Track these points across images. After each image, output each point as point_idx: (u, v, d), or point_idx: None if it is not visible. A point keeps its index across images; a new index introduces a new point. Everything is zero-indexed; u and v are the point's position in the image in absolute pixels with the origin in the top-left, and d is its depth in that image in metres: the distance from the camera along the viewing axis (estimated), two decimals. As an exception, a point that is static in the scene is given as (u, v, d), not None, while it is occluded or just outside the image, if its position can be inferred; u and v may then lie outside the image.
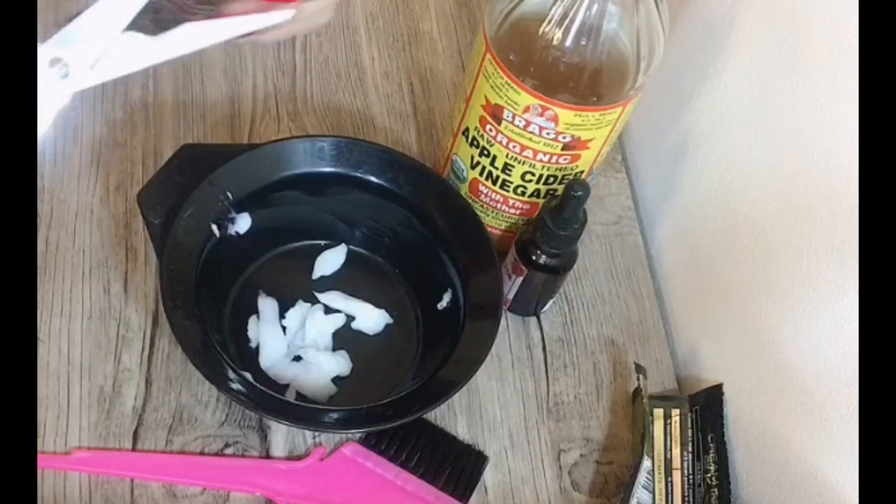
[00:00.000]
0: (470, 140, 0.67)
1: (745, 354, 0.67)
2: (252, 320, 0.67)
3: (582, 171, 0.66)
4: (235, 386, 0.59)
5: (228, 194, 0.65)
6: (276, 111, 0.79)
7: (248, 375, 0.62)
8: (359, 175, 0.68)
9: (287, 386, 0.66)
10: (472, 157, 0.67)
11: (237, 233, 0.66)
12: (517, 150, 0.64)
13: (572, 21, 0.58)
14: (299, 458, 0.64)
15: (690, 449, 0.67)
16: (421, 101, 0.82)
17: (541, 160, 0.64)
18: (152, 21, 0.47)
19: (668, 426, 0.68)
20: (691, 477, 0.66)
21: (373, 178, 0.68)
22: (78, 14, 0.45)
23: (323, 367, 0.66)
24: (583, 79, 0.60)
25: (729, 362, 0.70)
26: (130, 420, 0.63)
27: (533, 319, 0.73)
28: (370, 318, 0.69)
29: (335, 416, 0.62)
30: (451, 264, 0.67)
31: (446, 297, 0.68)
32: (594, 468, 0.68)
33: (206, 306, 0.63)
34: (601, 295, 0.76)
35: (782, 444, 0.63)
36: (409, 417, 0.60)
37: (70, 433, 0.62)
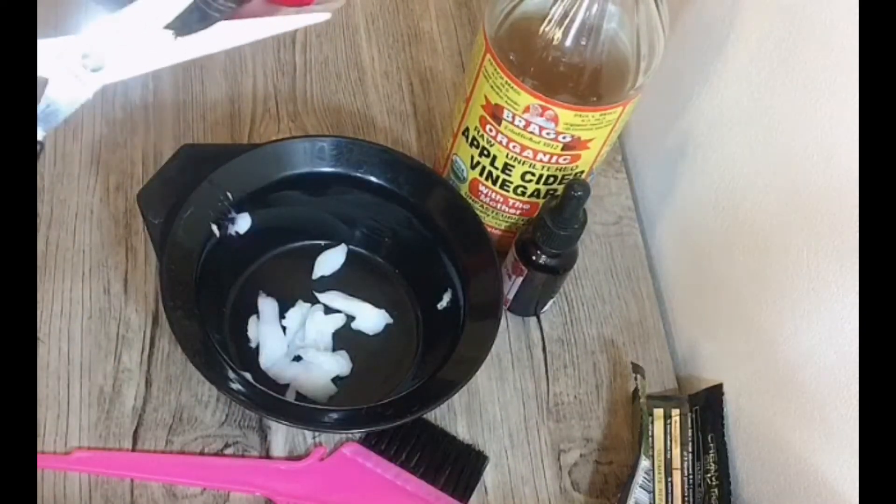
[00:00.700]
0: (470, 140, 0.67)
1: (745, 354, 0.67)
2: (252, 320, 0.67)
3: (582, 171, 0.66)
4: (235, 386, 0.59)
5: (228, 194, 0.65)
6: (276, 111, 0.79)
7: (248, 375, 0.62)
8: (359, 175, 0.68)
9: (287, 386, 0.66)
10: (472, 157, 0.67)
11: (237, 233, 0.66)
12: (517, 150, 0.64)
13: (572, 21, 0.58)
14: (299, 458, 0.64)
15: (690, 449, 0.67)
16: (421, 101, 0.82)
17: (541, 160, 0.64)
18: (182, 19, 0.48)
19: (668, 426, 0.68)
20: (691, 477, 0.66)
21: (373, 178, 0.68)
22: (115, 10, 0.46)
23: (323, 367, 0.66)
24: (583, 79, 0.60)
25: (729, 362, 0.70)
26: (130, 420, 0.63)
27: (533, 319, 0.73)
28: (370, 318, 0.69)
29: (335, 416, 0.62)
30: (451, 264, 0.67)
31: (446, 297, 0.68)
32: (594, 468, 0.68)
33: (206, 306, 0.63)
34: (601, 295, 0.76)
35: (782, 444, 0.63)
36: (409, 417, 0.60)
37: (70, 433, 0.62)
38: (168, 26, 0.47)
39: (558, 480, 0.67)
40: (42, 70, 0.46)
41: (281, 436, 0.64)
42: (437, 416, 0.67)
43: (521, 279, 0.68)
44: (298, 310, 0.68)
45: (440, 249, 0.68)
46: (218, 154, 0.65)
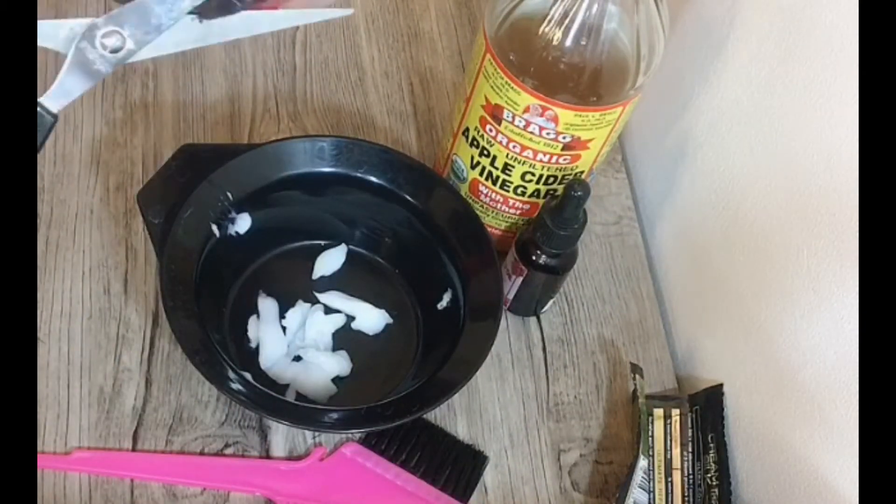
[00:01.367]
0: (470, 140, 0.67)
1: (745, 354, 0.67)
2: (252, 320, 0.67)
3: (582, 171, 0.66)
4: (235, 386, 0.59)
5: (228, 194, 0.65)
6: (276, 111, 0.79)
7: (248, 375, 0.62)
8: (359, 175, 0.68)
9: (287, 386, 0.66)
10: (472, 157, 0.67)
11: (237, 233, 0.66)
12: (517, 150, 0.64)
13: (572, 21, 0.58)
14: (299, 458, 0.64)
15: (690, 449, 0.67)
16: (421, 101, 0.82)
17: (541, 160, 0.64)
18: (205, 5, 0.48)
19: (668, 426, 0.68)
20: (691, 477, 0.66)
21: (373, 178, 0.68)
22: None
23: (323, 367, 0.66)
24: (583, 79, 0.60)
25: (729, 362, 0.70)
26: (130, 420, 0.63)
27: (533, 319, 0.73)
28: (370, 318, 0.69)
29: (335, 416, 0.62)
30: (451, 264, 0.67)
31: (446, 297, 0.68)
32: (594, 468, 0.68)
33: (206, 306, 0.63)
34: (601, 295, 0.76)
35: (782, 444, 0.63)
36: (409, 417, 0.60)
37: (70, 433, 0.62)
38: (191, 11, 0.48)
39: (558, 480, 0.67)
40: (62, 47, 0.46)
41: (281, 436, 0.64)
42: (437, 416, 0.67)
43: (521, 279, 0.68)
44: (298, 310, 0.68)
45: (440, 249, 0.68)
46: (218, 154, 0.65)
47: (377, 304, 0.69)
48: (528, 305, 0.72)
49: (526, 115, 0.61)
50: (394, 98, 0.82)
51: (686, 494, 0.65)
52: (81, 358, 0.65)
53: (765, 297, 0.65)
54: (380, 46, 0.84)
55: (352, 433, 0.65)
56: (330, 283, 0.70)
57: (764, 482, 0.65)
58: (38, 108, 0.45)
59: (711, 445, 0.67)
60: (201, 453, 0.63)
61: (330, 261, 0.71)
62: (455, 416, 0.68)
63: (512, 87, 0.60)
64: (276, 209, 0.68)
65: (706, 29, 0.71)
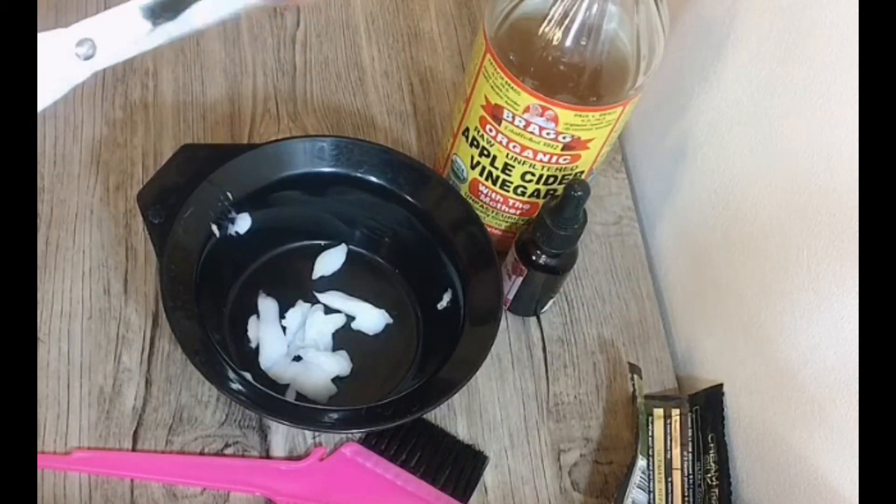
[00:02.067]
0: (470, 140, 0.67)
1: (745, 354, 0.67)
2: (252, 320, 0.67)
3: (582, 171, 0.66)
4: (235, 386, 0.59)
5: (228, 194, 0.65)
6: (276, 111, 0.79)
7: (248, 375, 0.62)
8: (359, 175, 0.68)
9: (287, 386, 0.66)
10: (472, 157, 0.67)
11: (237, 233, 0.66)
12: (517, 150, 0.64)
13: (572, 21, 0.58)
14: (299, 458, 0.64)
15: (690, 449, 0.67)
16: (421, 101, 0.82)
17: (541, 160, 0.64)
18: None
19: (668, 426, 0.68)
20: (691, 477, 0.66)
21: (373, 178, 0.68)
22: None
23: (323, 367, 0.66)
24: (583, 79, 0.60)
25: (729, 362, 0.70)
26: (130, 420, 0.63)
27: (533, 319, 0.73)
28: (370, 318, 0.69)
29: (335, 416, 0.62)
30: (451, 264, 0.67)
31: (446, 298, 0.68)
32: (594, 468, 0.68)
33: (206, 306, 0.63)
34: (601, 295, 0.76)
35: (782, 444, 0.63)
36: (409, 417, 0.60)
37: (70, 433, 0.62)
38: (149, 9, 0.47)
39: (558, 480, 0.67)
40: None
41: (281, 436, 0.64)
42: (437, 416, 0.67)
43: (521, 279, 0.68)
44: (298, 310, 0.68)
45: (440, 249, 0.68)
46: (218, 154, 0.65)
47: (377, 304, 0.69)
48: (528, 305, 0.72)
49: (526, 115, 0.61)
50: (394, 98, 0.82)
51: (686, 494, 0.65)
52: (81, 358, 0.65)
53: (765, 297, 0.65)
54: (380, 46, 0.84)
55: (352, 433, 0.65)
56: (330, 283, 0.70)
57: (764, 482, 0.65)
58: None
59: (711, 445, 0.67)
60: (201, 453, 0.63)
61: (330, 261, 0.71)
62: (455, 416, 0.68)
63: (512, 87, 0.60)
64: (276, 209, 0.68)
65: (706, 29, 0.71)
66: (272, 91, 0.80)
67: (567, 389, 0.71)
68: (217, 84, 0.79)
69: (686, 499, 0.65)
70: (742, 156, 0.68)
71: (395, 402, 0.61)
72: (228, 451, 0.63)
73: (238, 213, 0.66)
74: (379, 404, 0.61)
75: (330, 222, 0.71)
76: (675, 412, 0.69)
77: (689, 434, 0.68)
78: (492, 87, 0.62)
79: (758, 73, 0.65)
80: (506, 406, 0.69)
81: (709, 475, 0.66)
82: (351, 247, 0.72)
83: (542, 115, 0.61)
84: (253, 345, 0.67)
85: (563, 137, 0.62)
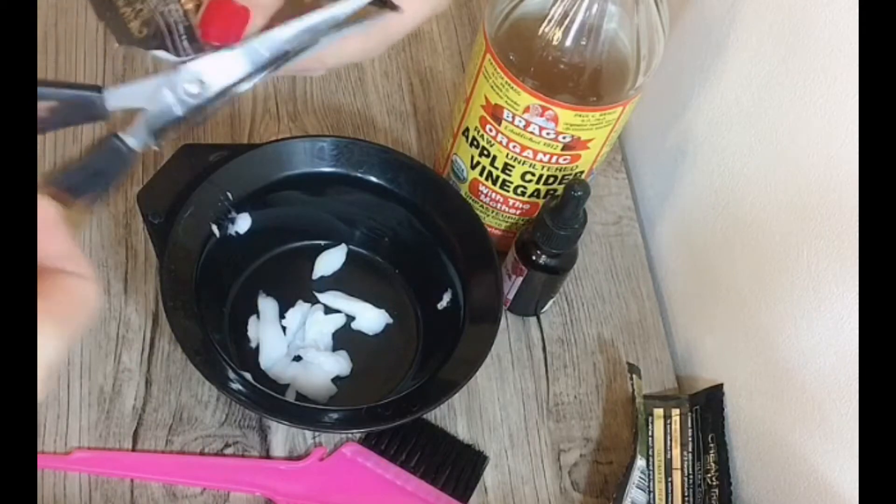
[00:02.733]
0: (470, 140, 0.67)
1: (745, 354, 0.67)
2: (252, 320, 0.67)
3: (582, 171, 0.66)
4: (235, 386, 0.59)
5: (228, 194, 0.65)
6: (276, 111, 0.79)
7: (248, 375, 0.62)
8: (359, 175, 0.68)
9: (287, 386, 0.66)
10: (472, 157, 0.67)
11: (237, 233, 0.66)
12: (517, 150, 0.64)
13: (572, 21, 0.58)
14: (299, 458, 0.64)
15: (690, 449, 0.67)
16: (421, 101, 0.82)
17: (541, 160, 0.64)
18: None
19: (668, 426, 0.68)
20: (691, 477, 0.66)
21: (373, 178, 0.68)
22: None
23: (323, 367, 0.66)
24: (583, 79, 0.60)
25: (729, 362, 0.70)
26: (130, 420, 0.63)
27: (533, 319, 0.73)
28: (370, 318, 0.69)
29: (335, 416, 0.62)
30: (451, 264, 0.67)
31: (446, 297, 0.68)
32: (594, 468, 0.68)
33: (206, 306, 0.63)
34: (601, 295, 0.76)
35: (782, 444, 0.63)
36: (409, 417, 0.60)
37: (70, 433, 0.62)
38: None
39: (558, 480, 0.67)
40: (141, 103, 0.47)
41: (281, 436, 0.64)
42: (437, 416, 0.67)
43: (521, 279, 0.68)
44: (298, 310, 0.68)
45: (440, 249, 0.68)
46: (218, 154, 0.65)
47: (377, 304, 0.69)
48: (528, 305, 0.72)
49: (526, 115, 0.61)
50: (394, 98, 0.82)
51: (686, 494, 0.65)
52: (81, 358, 0.65)
53: (765, 297, 0.65)
54: (380, 46, 0.84)
55: (352, 433, 0.65)
56: (330, 283, 0.70)
57: (764, 482, 0.65)
58: (118, 142, 0.46)
59: (711, 445, 0.67)
60: (201, 453, 0.63)
61: (330, 261, 0.71)
62: (455, 416, 0.68)
63: (512, 87, 0.60)
64: (276, 209, 0.68)
65: (706, 29, 0.71)
66: (272, 91, 0.79)
67: (567, 389, 0.71)
68: (217, 84, 0.79)
69: (686, 499, 0.65)
70: (742, 156, 0.68)
71: (395, 402, 0.61)
72: (228, 451, 0.63)
73: (238, 213, 0.66)
74: (379, 404, 0.61)
75: (330, 222, 0.71)
76: (675, 412, 0.69)
77: (689, 434, 0.68)
78: (492, 87, 0.62)
79: (758, 73, 0.65)
80: (506, 406, 0.69)
81: (709, 475, 0.66)
82: (351, 247, 0.72)
83: (542, 115, 0.61)
84: (253, 345, 0.67)
85: (563, 137, 0.62)
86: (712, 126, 0.71)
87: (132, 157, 0.46)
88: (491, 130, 0.64)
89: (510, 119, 0.62)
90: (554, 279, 0.69)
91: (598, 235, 0.79)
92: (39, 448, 0.62)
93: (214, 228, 0.64)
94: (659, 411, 0.69)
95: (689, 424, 0.68)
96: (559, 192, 0.65)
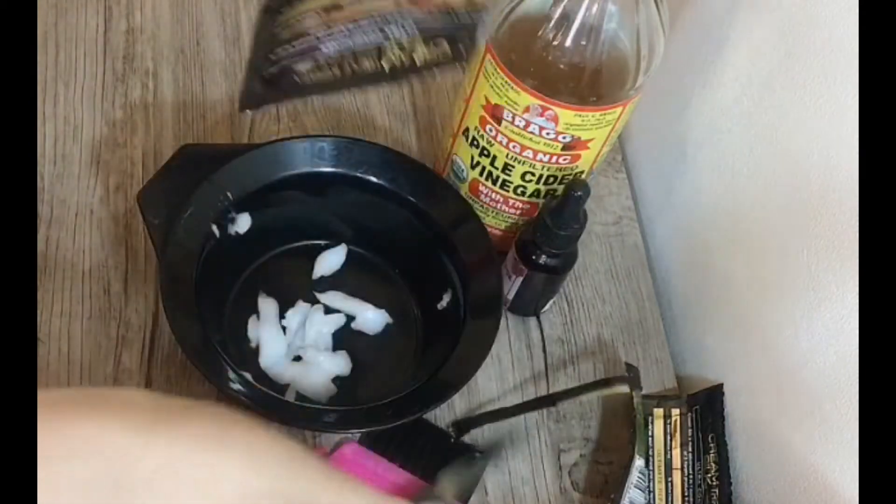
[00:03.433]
0: (470, 140, 0.67)
1: (745, 354, 0.67)
2: (252, 320, 0.67)
3: (582, 171, 0.66)
4: (235, 386, 0.59)
5: (228, 194, 0.65)
6: (276, 111, 0.79)
7: (248, 375, 0.62)
8: (359, 175, 0.68)
9: (287, 386, 0.66)
10: (472, 157, 0.67)
11: (237, 233, 0.66)
12: (517, 150, 0.64)
13: (572, 21, 0.58)
14: (299, 458, 0.64)
15: (690, 449, 0.67)
16: (421, 101, 0.82)
17: (541, 160, 0.64)
18: None
19: (668, 426, 0.68)
20: (691, 477, 0.66)
21: (373, 178, 0.68)
22: None
23: (323, 367, 0.66)
24: (583, 79, 0.60)
25: (729, 362, 0.70)
26: (130, 420, 0.63)
27: (533, 319, 0.73)
28: (370, 318, 0.69)
29: (335, 416, 0.62)
30: (451, 264, 0.67)
31: (446, 297, 0.68)
32: (594, 468, 0.68)
33: (206, 306, 0.63)
34: (601, 295, 0.76)
35: (782, 444, 0.63)
36: (409, 417, 0.60)
37: (70, 433, 0.62)
38: None
39: (558, 480, 0.67)
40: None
41: (281, 436, 0.64)
42: (438, 416, 0.67)
43: (521, 279, 0.68)
44: (298, 310, 0.68)
45: (440, 249, 0.68)
46: (218, 154, 0.65)
47: (377, 304, 0.69)
48: (528, 305, 0.72)
49: (526, 115, 0.61)
50: (394, 98, 0.82)
51: (686, 494, 0.65)
52: (81, 358, 0.65)
53: (765, 297, 0.65)
54: (380, 46, 0.84)
55: (352, 433, 0.65)
56: (330, 283, 0.70)
57: (764, 482, 0.65)
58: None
59: (711, 445, 0.67)
60: (201, 453, 0.63)
61: (330, 261, 0.71)
62: (455, 416, 0.68)
63: (512, 87, 0.60)
64: (276, 209, 0.68)
65: (706, 29, 0.71)
66: (272, 91, 0.79)
67: (567, 389, 0.71)
68: (217, 84, 0.79)
69: (686, 499, 0.65)
70: (742, 156, 0.68)
71: (395, 402, 0.61)
72: (228, 451, 0.63)
73: (238, 213, 0.66)
74: (379, 404, 0.61)
75: (330, 222, 0.71)
76: (675, 412, 0.69)
77: (689, 434, 0.68)
78: (492, 87, 0.62)
79: (758, 73, 0.65)
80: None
81: (709, 475, 0.66)
82: (351, 247, 0.72)
83: (542, 115, 0.61)
84: (253, 345, 0.67)
85: (563, 137, 0.62)
86: (712, 126, 0.71)
87: None
88: (491, 130, 0.64)
89: (510, 119, 0.62)
90: (554, 279, 0.69)
91: (598, 235, 0.79)
92: (39, 448, 0.61)
93: (214, 228, 0.64)
94: (659, 411, 0.69)
95: (689, 424, 0.68)
96: (559, 192, 0.65)
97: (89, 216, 0.70)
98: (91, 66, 0.77)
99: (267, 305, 0.68)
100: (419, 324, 0.70)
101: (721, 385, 0.69)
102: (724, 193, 0.70)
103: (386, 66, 0.81)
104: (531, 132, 0.62)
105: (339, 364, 0.67)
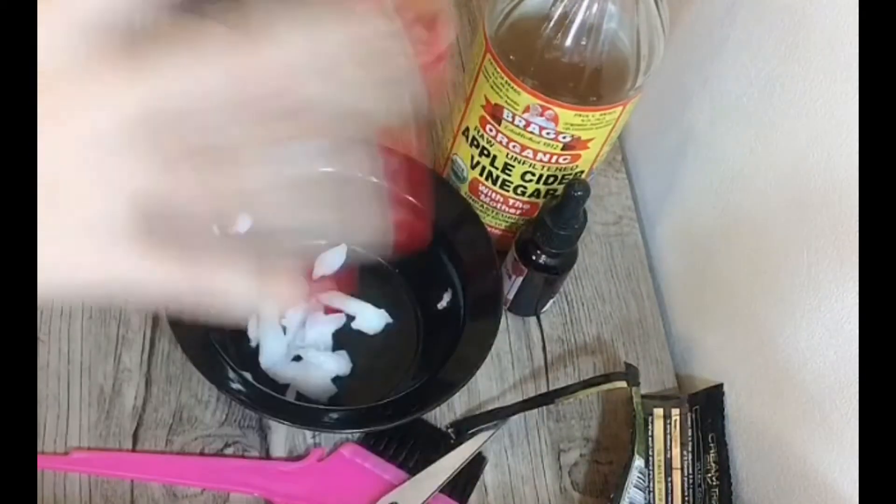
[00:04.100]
0: (470, 140, 0.67)
1: (745, 354, 0.67)
2: (252, 320, 0.67)
3: (582, 171, 0.66)
4: (235, 386, 0.59)
5: (228, 194, 0.65)
6: (276, 111, 0.78)
7: (248, 375, 0.62)
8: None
9: (287, 386, 0.65)
10: (472, 157, 0.67)
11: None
12: (517, 150, 0.64)
13: (572, 21, 0.58)
14: (298, 458, 0.64)
15: (690, 449, 0.67)
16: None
17: (541, 160, 0.64)
18: None
19: (668, 426, 0.68)
20: (691, 477, 0.66)
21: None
22: None
23: (323, 367, 0.66)
24: (583, 79, 0.60)
25: (729, 362, 0.70)
26: (130, 420, 0.63)
27: (533, 319, 0.73)
28: (370, 318, 0.69)
29: (335, 416, 0.62)
30: (451, 264, 0.67)
31: (446, 297, 0.68)
32: (594, 468, 0.68)
33: (206, 306, 0.63)
34: (601, 295, 0.76)
35: (782, 444, 0.63)
36: (409, 417, 0.60)
37: (70, 433, 0.62)
38: None
39: (558, 480, 0.67)
40: None
41: (281, 436, 0.64)
42: (437, 416, 0.67)
43: (521, 279, 0.68)
44: (298, 310, 0.68)
45: (440, 249, 0.68)
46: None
47: (377, 304, 0.69)
48: (528, 305, 0.72)
49: (526, 115, 0.61)
50: (394, 98, 0.82)
51: (686, 494, 0.65)
52: (81, 358, 0.65)
53: (765, 297, 0.65)
54: (380, 46, 0.84)
55: (352, 433, 0.65)
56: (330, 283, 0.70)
57: (764, 482, 0.65)
58: None
59: (711, 445, 0.67)
60: (201, 453, 0.63)
61: (330, 261, 0.71)
62: (455, 416, 0.68)
63: (512, 87, 0.60)
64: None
65: (706, 29, 0.71)
66: (272, 91, 0.79)
67: (567, 389, 0.71)
68: (217, 84, 0.79)
69: (686, 499, 0.65)
70: (742, 156, 0.68)
71: (395, 402, 0.61)
72: (228, 451, 0.63)
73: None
74: (379, 404, 0.61)
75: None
76: (675, 412, 0.69)
77: (689, 434, 0.68)
78: (492, 86, 0.62)
79: (758, 73, 0.65)
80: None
81: (709, 475, 0.66)
82: (351, 247, 0.72)
83: (542, 115, 0.61)
84: (253, 345, 0.66)
85: (563, 137, 0.62)
86: (712, 126, 0.71)
87: None
88: (491, 130, 0.64)
89: (510, 119, 0.62)
90: (554, 279, 0.69)
91: (598, 235, 0.79)
92: (39, 448, 0.62)
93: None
94: (659, 411, 0.69)
95: (689, 424, 0.68)
96: (559, 192, 0.65)
97: (89, 216, 0.70)
98: (91, 66, 0.77)
99: (267, 305, 0.68)
100: (419, 324, 0.70)
101: (721, 385, 0.69)
102: (724, 193, 0.70)
103: None
104: (531, 132, 0.62)
105: (339, 364, 0.67)
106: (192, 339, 0.59)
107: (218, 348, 0.60)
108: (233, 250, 0.38)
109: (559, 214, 0.64)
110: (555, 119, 0.61)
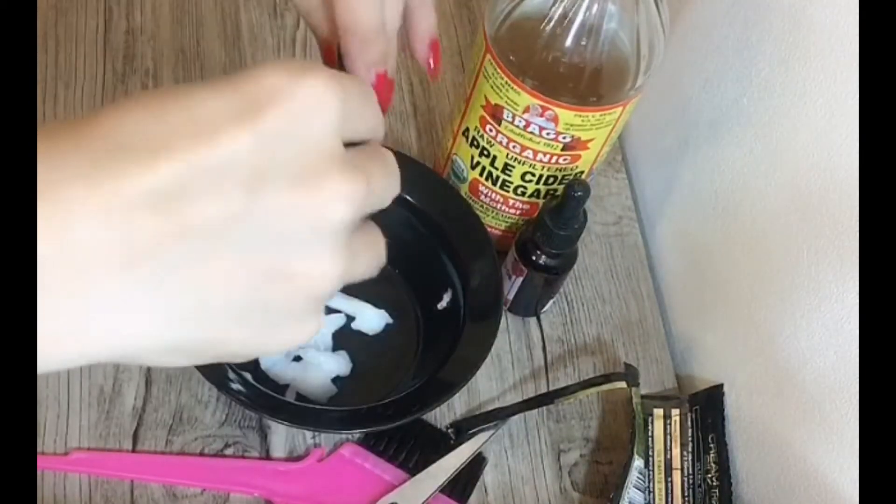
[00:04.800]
0: (470, 140, 0.67)
1: (745, 354, 0.67)
2: (252, 320, 0.67)
3: (582, 171, 0.66)
4: (235, 386, 0.59)
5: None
6: (275, 111, 0.78)
7: (247, 375, 0.62)
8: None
9: (287, 386, 0.66)
10: (472, 157, 0.67)
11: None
12: (517, 150, 0.64)
13: (572, 21, 0.58)
14: (298, 458, 0.64)
15: (690, 449, 0.67)
16: (421, 101, 0.82)
17: (541, 160, 0.64)
18: None
19: (668, 426, 0.68)
20: (691, 477, 0.66)
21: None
22: None
23: (323, 367, 0.66)
24: (583, 79, 0.60)
25: (729, 362, 0.70)
26: (130, 420, 0.63)
27: (533, 319, 0.73)
28: (370, 318, 0.69)
29: (335, 416, 0.62)
30: (451, 264, 0.67)
31: (446, 297, 0.68)
32: (594, 468, 0.68)
33: (206, 306, 0.63)
34: (601, 295, 0.76)
35: (782, 444, 0.63)
36: (409, 417, 0.60)
37: (70, 433, 0.62)
38: None
39: (558, 480, 0.67)
40: None
41: (281, 436, 0.64)
42: (437, 416, 0.67)
43: (521, 279, 0.68)
44: (298, 310, 0.68)
45: (440, 249, 0.68)
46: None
47: (377, 304, 0.69)
48: (528, 305, 0.72)
49: (526, 115, 0.61)
50: (394, 98, 0.82)
51: (686, 494, 0.65)
52: (81, 358, 0.65)
53: (765, 297, 0.65)
54: (380, 46, 0.84)
55: (352, 433, 0.65)
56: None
57: (764, 482, 0.65)
58: None
59: (711, 445, 0.67)
60: (201, 453, 0.63)
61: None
62: (455, 416, 0.68)
63: (512, 87, 0.60)
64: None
65: (706, 29, 0.71)
66: (272, 91, 0.79)
67: (567, 389, 0.71)
68: (217, 84, 0.79)
69: (686, 499, 0.65)
70: (742, 156, 0.68)
71: (395, 402, 0.61)
72: (228, 451, 0.63)
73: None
74: (379, 404, 0.61)
75: (330, 222, 0.71)
76: (675, 412, 0.69)
77: (689, 434, 0.68)
78: (492, 87, 0.62)
79: (758, 73, 0.65)
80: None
81: (709, 475, 0.66)
82: (351, 247, 0.72)
83: (542, 115, 0.61)
84: (253, 345, 0.66)
85: (563, 137, 0.62)
86: (712, 126, 0.71)
87: None
88: (491, 130, 0.64)
89: (510, 119, 0.62)
90: (554, 279, 0.69)
91: (598, 235, 0.79)
92: (39, 448, 0.62)
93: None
94: (659, 411, 0.69)
95: (689, 424, 0.68)
96: (559, 192, 0.65)
97: (89, 216, 0.70)
98: (91, 66, 0.77)
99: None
100: (419, 324, 0.70)
101: (721, 385, 0.69)
102: (724, 193, 0.70)
103: None
104: (531, 132, 0.62)
105: (339, 364, 0.67)
106: (192, 339, 0.59)
107: (218, 348, 0.60)
108: None
109: (559, 214, 0.64)
110: (555, 119, 0.61)
